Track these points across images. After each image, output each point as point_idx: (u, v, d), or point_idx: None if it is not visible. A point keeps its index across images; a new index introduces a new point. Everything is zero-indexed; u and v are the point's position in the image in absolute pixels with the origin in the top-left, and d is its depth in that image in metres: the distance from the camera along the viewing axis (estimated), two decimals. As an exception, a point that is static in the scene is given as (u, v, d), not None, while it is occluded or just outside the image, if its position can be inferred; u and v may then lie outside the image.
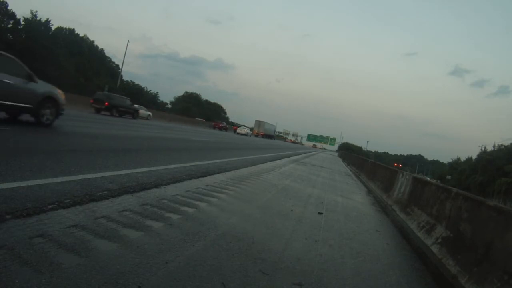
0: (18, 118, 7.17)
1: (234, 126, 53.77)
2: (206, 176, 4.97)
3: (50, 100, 7.03)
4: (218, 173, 5.53)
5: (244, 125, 54.60)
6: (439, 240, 3.31)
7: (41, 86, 6.83)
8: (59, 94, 7.36)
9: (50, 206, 2.30)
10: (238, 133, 42.74)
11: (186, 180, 4.32)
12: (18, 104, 6.32)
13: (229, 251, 2.28)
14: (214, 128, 42.97)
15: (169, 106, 70.00)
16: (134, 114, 22.32)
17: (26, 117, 6.94)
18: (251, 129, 55.40)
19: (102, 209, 2.50)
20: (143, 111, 27.02)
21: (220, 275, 1.89)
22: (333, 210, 4.78)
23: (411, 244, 3.71)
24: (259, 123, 57.35)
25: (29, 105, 6.49)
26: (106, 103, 19.02)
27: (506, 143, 44.23)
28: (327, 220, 3.97)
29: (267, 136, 56.25)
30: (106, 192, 2.92)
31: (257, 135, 53.05)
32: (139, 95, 49.35)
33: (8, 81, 5.96)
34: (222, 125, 45.97)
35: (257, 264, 2.18)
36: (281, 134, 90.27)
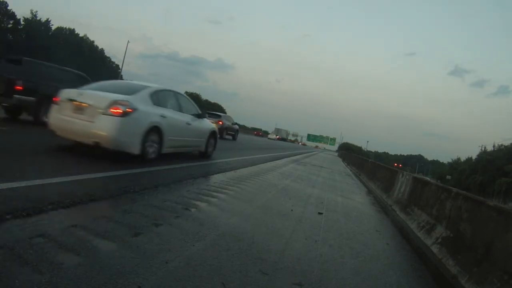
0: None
1: (259, 132, 73.02)
2: (206, 176, 4.97)
3: (233, 129, 18.97)
4: (218, 173, 5.54)
5: (272, 132, 76.67)
6: (439, 240, 3.31)
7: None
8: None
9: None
10: (269, 138, 58.08)
11: (186, 180, 4.32)
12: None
13: (229, 251, 2.28)
14: (255, 135, 57.06)
15: (169, 106, 70.22)
16: None
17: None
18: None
19: (102, 209, 2.50)
20: None
21: (220, 275, 1.89)
22: (333, 210, 4.78)
23: (411, 244, 3.71)
24: (277, 130, 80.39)
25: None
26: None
27: (506, 143, 43.99)
28: (327, 220, 3.97)
29: (281, 139, 72.35)
30: (106, 192, 2.93)
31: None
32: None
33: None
34: (260, 133, 68.14)
35: (257, 264, 2.18)
36: (290, 138, 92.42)
